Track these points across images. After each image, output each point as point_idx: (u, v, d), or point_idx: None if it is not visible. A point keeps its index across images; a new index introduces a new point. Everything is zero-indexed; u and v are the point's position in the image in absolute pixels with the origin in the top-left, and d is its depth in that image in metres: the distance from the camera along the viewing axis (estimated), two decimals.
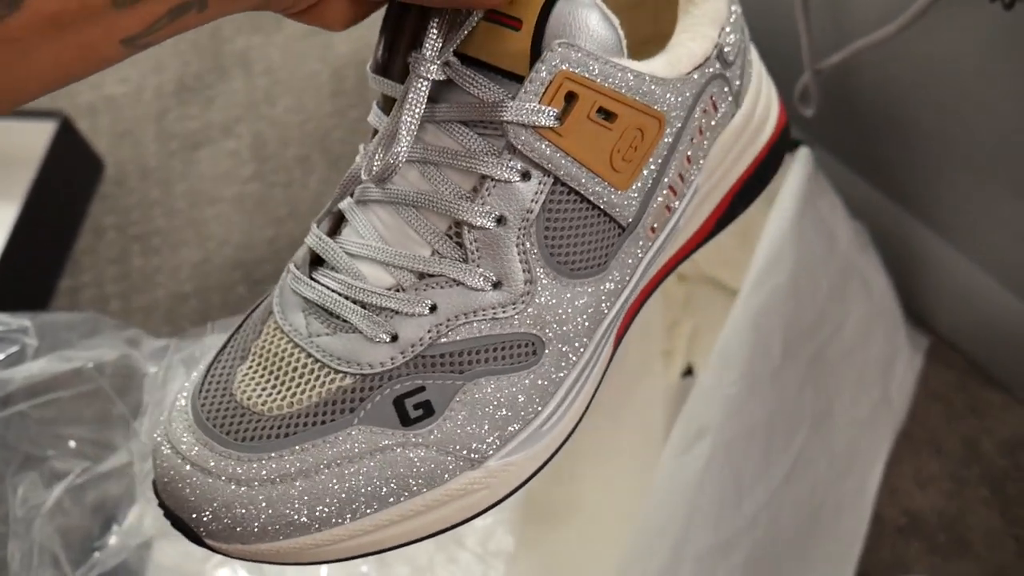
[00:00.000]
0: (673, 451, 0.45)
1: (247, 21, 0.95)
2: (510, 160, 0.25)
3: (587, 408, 0.29)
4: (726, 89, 0.30)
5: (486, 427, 0.26)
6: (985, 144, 0.54)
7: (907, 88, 0.56)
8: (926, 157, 0.59)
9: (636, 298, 0.30)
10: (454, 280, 0.26)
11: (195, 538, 0.25)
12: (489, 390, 0.26)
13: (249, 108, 0.90)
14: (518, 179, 0.25)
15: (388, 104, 0.27)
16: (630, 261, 0.28)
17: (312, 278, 0.27)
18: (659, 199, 0.28)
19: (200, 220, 0.82)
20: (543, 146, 0.25)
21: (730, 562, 0.47)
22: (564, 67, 0.24)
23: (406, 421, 0.25)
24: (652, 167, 0.27)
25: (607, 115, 0.25)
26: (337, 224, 0.28)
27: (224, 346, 0.28)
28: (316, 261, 0.28)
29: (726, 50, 0.29)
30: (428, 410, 0.26)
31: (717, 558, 0.46)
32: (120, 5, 0.18)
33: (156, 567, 0.45)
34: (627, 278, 0.29)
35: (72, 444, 0.45)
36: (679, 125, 0.27)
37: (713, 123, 0.29)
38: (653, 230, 0.29)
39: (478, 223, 0.25)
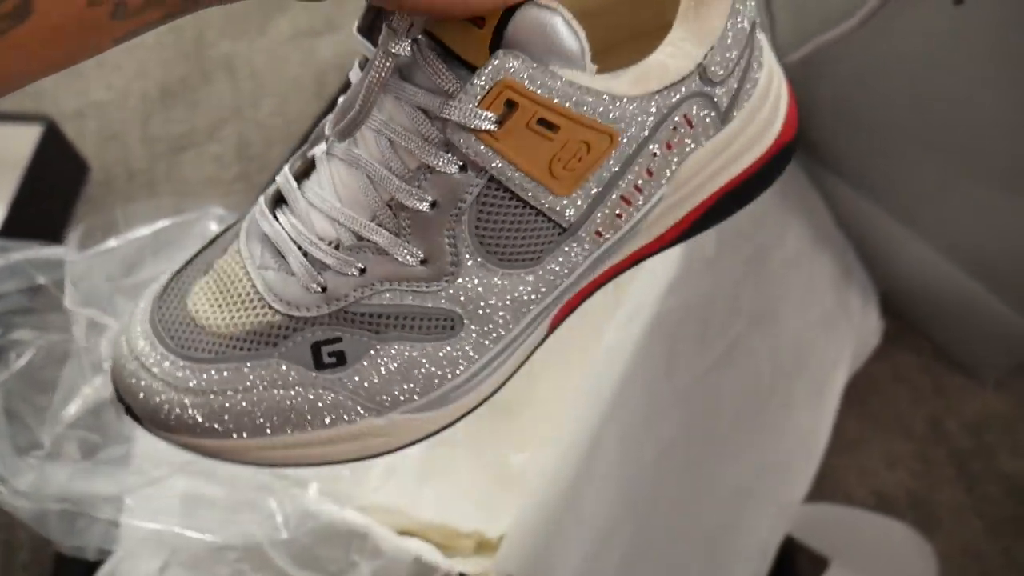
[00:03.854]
0: (614, 327, 0.49)
1: (231, 26, 0.96)
2: (449, 153, 0.26)
3: (506, 381, 0.31)
4: (708, 107, 0.29)
5: (392, 384, 0.28)
6: (942, 133, 0.56)
7: (867, 81, 0.59)
8: (886, 147, 0.61)
9: (581, 289, 0.31)
10: (384, 251, 0.27)
11: (136, 420, 0.29)
12: (400, 353, 0.28)
13: (234, 111, 0.91)
14: (455, 171, 0.26)
15: (365, 64, 0.28)
16: (570, 259, 0.29)
17: (274, 215, 0.29)
18: (607, 208, 0.29)
19: None
20: (480, 147, 0.26)
21: (657, 434, 0.51)
22: (506, 76, 0.25)
23: (319, 365, 0.28)
24: (600, 178, 0.28)
25: (548, 126, 0.26)
26: (308, 169, 0.30)
27: (194, 256, 0.31)
28: (282, 199, 0.30)
29: (713, 69, 0.28)
30: (341, 359, 0.28)
31: (645, 426, 0.50)
32: (119, 16, 0.20)
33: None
34: (565, 272, 0.30)
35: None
36: (638, 141, 0.28)
37: (687, 139, 0.29)
38: (599, 234, 0.29)
39: (411, 205, 0.27)
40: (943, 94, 0.54)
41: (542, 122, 0.26)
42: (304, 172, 0.30)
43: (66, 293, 0.49)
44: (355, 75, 0.28)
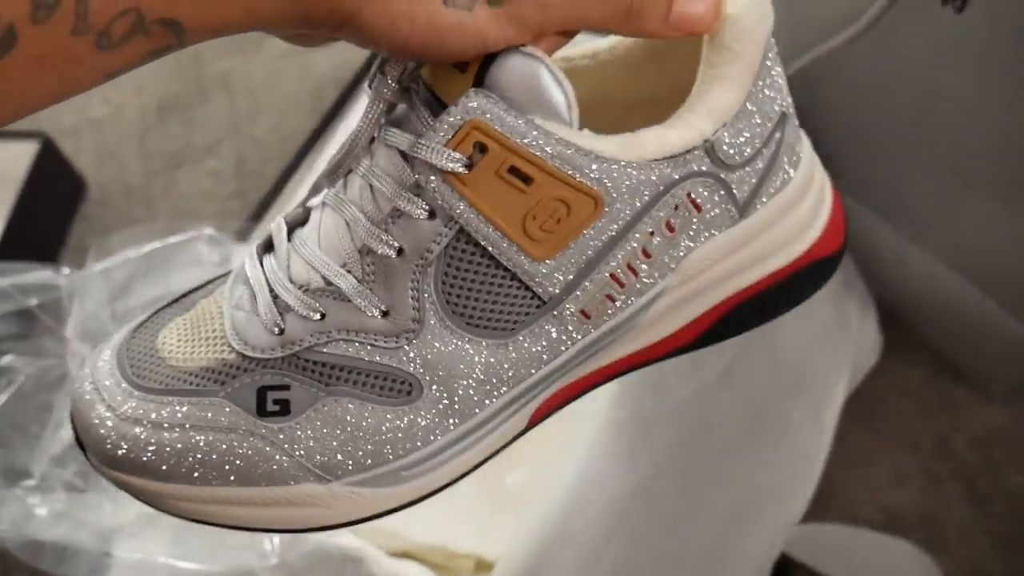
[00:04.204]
0: None
1: (227, 43, 0.96)
2: (418, 197, 0.25)
3: (472, 470, 0.29)
4: (721, 192, 0.27)
5: (336, 446, 0.27)
6: (943, 143, 0.56)
7: (867, 90, 0.58)
8: (888, 157, 0.60)
9: (573, 383, 0.29)
10: (346, 297, 0.26)
11: (83, 451, 0.28)
12: (349, 412, 0.27)
13: (230, 128, 0.91)
14: (423, 217, 0.25)
15: None
16: (552, 341, 0.27)
17: (260, 259, 0.28)
18: (593, 285, 0.27)
19: None
20: (447, 190, 0.25)
21: (648, 453, 0.50)
22: (475, 115, 0.24)
23: (261, 412, 0.27)
24: (582, 246, 0.26)
25: (522, 176, 0.24)
26: (304, 219, 0.29)
27: (181, 296, 0.30)
28: (272, 245, 0.29)
29: (726, 149, 0.26)
30: (285, 408, 0.27)
31: (634, 446, 0.49)
32: (104, 48, 0.19)
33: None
34: (546, 357, 0.27)
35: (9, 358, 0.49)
36: (630, 213, 0.26)
37: (694, 223, 0.27)
38: (586, 315, 0.27)
39: (379, 250, 0.26)
40: (945, 102, 0.53)
41: (513, 171, 0.24)
42: (300, 222, 0.29)
43: (70, 318, 0.49)
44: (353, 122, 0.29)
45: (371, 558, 0.49)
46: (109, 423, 0.27)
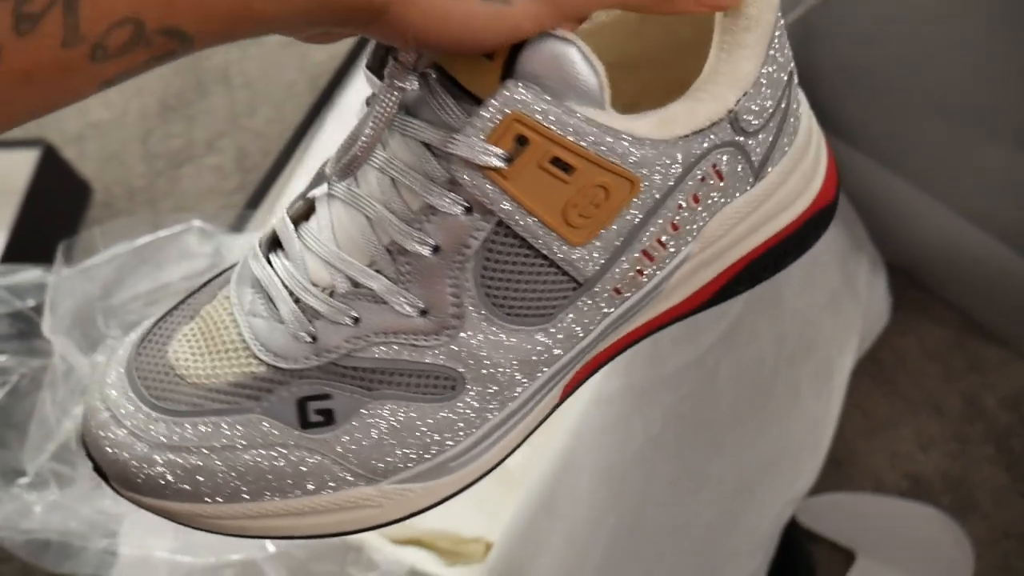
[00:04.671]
0: None
1: None
2: (454, 192, 0.24)
3: (512, 451, 0.29)
4: (740, 159, 0.27)
5: (384, 448, 0.26)
6: (950, 89, 0.53)
7: (870, 38, 0.55)
8: (893, 107, 0.57)
9: (597, 354, 0.29)
10: (381, 299, 0.25)
11: (104, 478, 0.27)
12: (394, 414, 0.26)
13: (231, 122, 0.91)
14: (460, 212, 0.24)
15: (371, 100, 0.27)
16: (586, 319, 0.27)
17: (268, 258, 0.27)
18: (626, 263, 0.26)
19: None
20: (487, 186, 0.24)
21: (643, 423, 0.48)
22: (516, 108, 0.23)
23: (305, 424, 0.26)
24: (619, 229, 0.26)
25: (563, 166, 0.24)
26: (307, 212, 0.28)
27: (180, 301, 0.29)
28: (278, 243, 0.28)
29: (746, 117, 0.26)
30: (328, 418, 0.26)
31: (628, 415, 0.48)
32: (99, 59, 0.18)
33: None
34: (580, 334, 0.27)
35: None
36: (662, 190, 0.26)
37: (715, 193, 0.27)
38: (618, 291, 0.27)
39: (412, 248, 0.25)
40: (949, 48, 0.51)
41: (556, 162, 0.24)
42: (303, 214, 0.28)
43: (44, 318, 0.48)
44: (360, 113, 0.26)
45: (372, 546, 0.48)
46: (137, 449, 0.26)
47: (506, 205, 0.24)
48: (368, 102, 0.27)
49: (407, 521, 0.53)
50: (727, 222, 0.28)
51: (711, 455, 0.52)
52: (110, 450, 0.26)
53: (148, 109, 0.93)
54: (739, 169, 0.27)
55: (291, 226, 0.27)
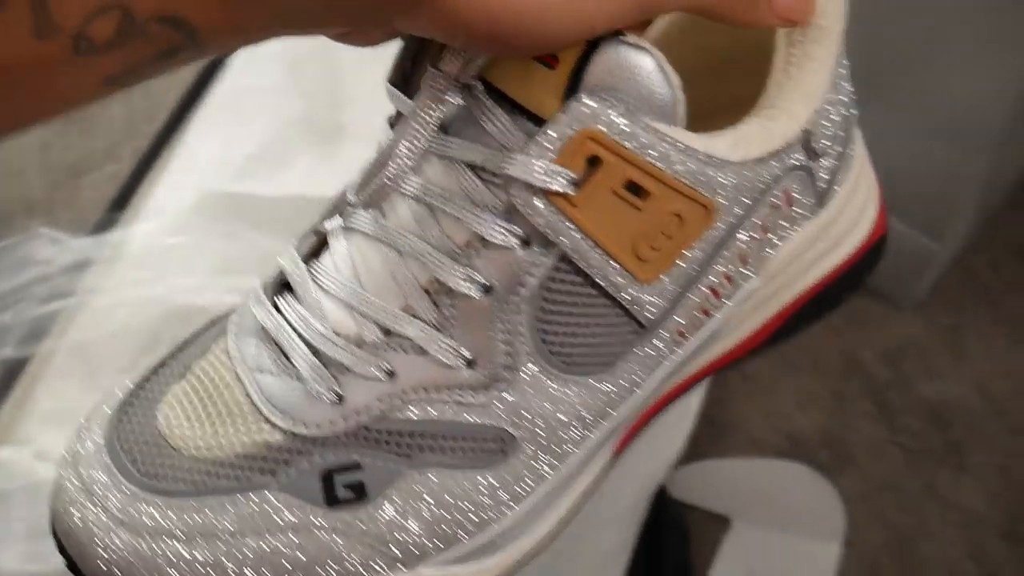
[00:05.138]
0: None
1: None
2: (510, 222, 0.21)
3: (567, 524, 0.26)
4: (808, 183, 0.25)
5: (425, 527, 0.23)
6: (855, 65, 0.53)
7: None
8: None
9: (651, 407, 0.27)
10: (420, 348, 0.22)
11: (74, 571, 0.23)
12: (437, 484, 0.23)
13: (129, 129, 0.91)
14: (516, 245, 0.21)
15: (397, 120, 0.24)
16: (647, 366, 0.24)
17: (275, 304, 0.24)
18: (694, 300, 0.24)
19: None
20: (551, 213, 0.21)
21: None
22: (591, 124, 0.20)
23: (332, 500, 0.22)
24: (690, 262, 0.23)
25: (637, 191, 0.21)
26: (320, 247, 0.24)
27: (166, 358, 0.25)
28: (286, 285, 0.24)
29: (817, 136, 0.24)
30: (360, 493, 0.22)
31: None
32: (85, 52, 0.16)
33: None
34: (640, 383, 0.25)
35: None
36: (734, 219, 0.23)
37: (783, 220, 0.25)
38: (681, 334, 0.24)
39: (460, 289, 0.22)
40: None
41: (630, 186, 0.21)
42: (314, 252, 0.24)
43: None
44: (382, 135, 0.24)
45: None
46: (121, 538, 0.22)
47: (571, 236, 0.21)
48: (392, 122, 0.24)
49: None
50: (792, 253, 0.26)
51: None
52: (88, 540, 0.22)
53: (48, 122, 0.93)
54: (807, 195, 0.25)
55: (302, 265, 0.24)
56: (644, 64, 0.20)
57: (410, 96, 0.22)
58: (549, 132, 0.20)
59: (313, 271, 0.24)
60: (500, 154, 0.21)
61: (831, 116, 0.24)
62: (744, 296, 0.25)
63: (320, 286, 0.23)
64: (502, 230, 0.21)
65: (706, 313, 0.24)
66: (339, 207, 0.24)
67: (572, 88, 0.20)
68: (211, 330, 0.25)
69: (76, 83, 0.17)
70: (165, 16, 0.16)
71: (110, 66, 0.17)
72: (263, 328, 0.23)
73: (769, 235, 0.24)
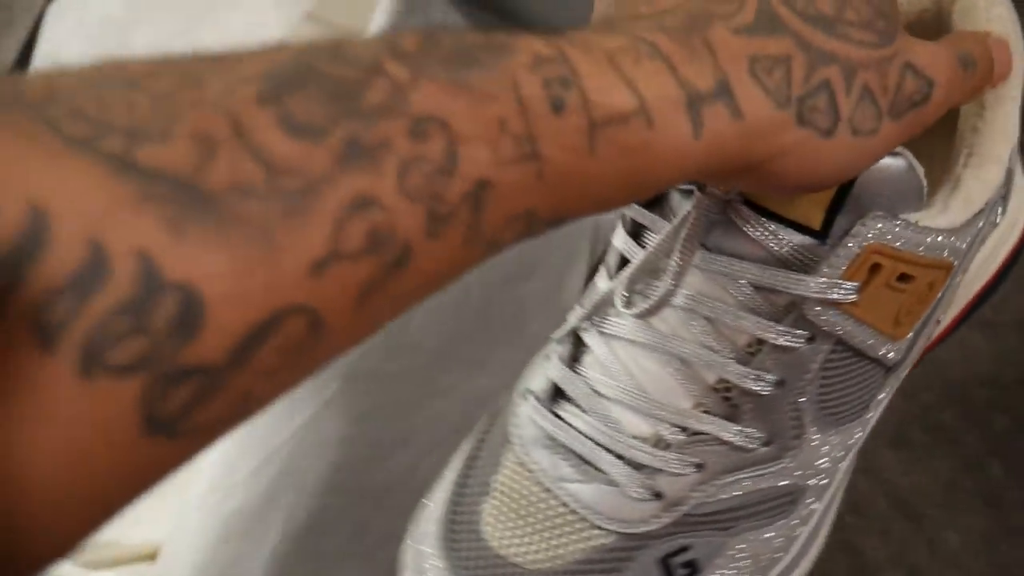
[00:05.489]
0: None
1: None
2: (794, 326, 0.23)
3: (824, 542, 0.29)
4: (999, 210, 0.27)
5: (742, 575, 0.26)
6: None
7: None
8: None
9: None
10: (719, 439, 0.25)
11: None
12: (751, 542, 0.26)
13: None
14: (802, 344, 0.24)
15: (636, 229, 0.26)
16: (883, 396, 0.27)
17: (555, 413, 0.26)
18: (925, 336, 0.27)
19: None
20: (836, 315, 0.23)
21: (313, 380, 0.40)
22: (875, 241, 0.23)
23: None
24: (930, 311, 0.26)
25: (905, 279, 0.24)
26: (575, 349, 0.26)
27: (459, 477, 0.27)
28: (558, 392, 0.26)
29: (1012, 169, 0.26)
30: (694, 569, 0.25)
31: None
32: (490, 254, 0.17)
33: None
34: (878, 412, 0.28)
35: None
36: (963, 260, 0.26)
37: (980, 239, 0.27)
38: (912, 364, 0.28)
39: (754, 388, 0.24)
40: None
41: (902, 277, 0.24)
42: (573, 355, 0.26)
43: None
44: (621, 242, 0.26)
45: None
46: None
47: (851, 327, 0.24)
48: (627, 228, 0.26)
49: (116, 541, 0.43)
50: (984, 256, 0.29)
51: (422, 399, 0.43)
52: None
53: None
54: (998, 209, 0.27)
55: (572, 374, 0.26)
56: (899, 164, 0.23)
57: (648, 206, 0.25)
58: (840, 254, 0.22)
59: (585, 378, 0.25)
60: (780, 273, 0.23)
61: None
62: (947, 303, 0.28)
63: (598, 392, 0.25)
64: (788, 335, 0.23)
65: (931, 341, 0.28)
66: (594, 311, 0.26)
67: (839, 195, 0.22)
68: (489, 440, 0.27)
69: (459, 273, 0.17)
70: (557, 219, 0.17)
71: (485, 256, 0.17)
72: (551, 437, 0.25)
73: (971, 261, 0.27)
